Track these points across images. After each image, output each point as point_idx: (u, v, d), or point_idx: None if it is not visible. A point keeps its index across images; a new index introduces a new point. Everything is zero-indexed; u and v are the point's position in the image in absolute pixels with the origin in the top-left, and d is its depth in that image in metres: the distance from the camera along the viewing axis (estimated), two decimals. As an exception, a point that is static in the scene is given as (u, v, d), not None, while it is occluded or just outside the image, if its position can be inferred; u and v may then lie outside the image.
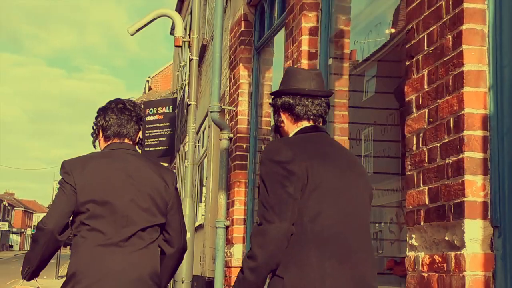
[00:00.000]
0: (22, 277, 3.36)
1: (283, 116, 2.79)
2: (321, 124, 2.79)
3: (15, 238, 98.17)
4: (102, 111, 3.28)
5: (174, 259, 3.24)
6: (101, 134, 3.26)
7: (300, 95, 2.74)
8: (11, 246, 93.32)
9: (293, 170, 2.47)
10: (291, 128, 2.76)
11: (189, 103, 7.44)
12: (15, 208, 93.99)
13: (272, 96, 2.83)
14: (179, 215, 3.20)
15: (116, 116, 3.23)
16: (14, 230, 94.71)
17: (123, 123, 3.22)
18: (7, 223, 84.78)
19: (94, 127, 3.30)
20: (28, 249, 3.33)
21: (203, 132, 10.21)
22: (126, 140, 3.23)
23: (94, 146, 3.35)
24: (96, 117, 3.29)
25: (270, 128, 6.59)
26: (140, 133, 3.34)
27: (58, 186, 3.14)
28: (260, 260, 2.44)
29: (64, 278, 3.20)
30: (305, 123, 2.74)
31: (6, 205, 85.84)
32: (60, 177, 3.12)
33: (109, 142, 3.24)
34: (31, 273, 3.27)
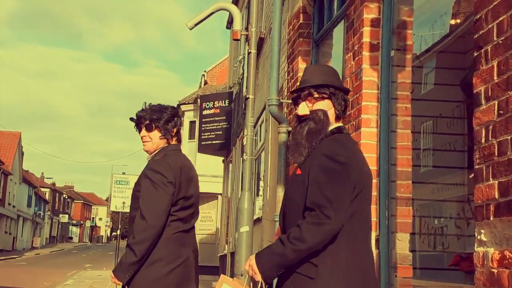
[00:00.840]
0: (120, 280, 3.66)
1: (330, 111, 2.91)
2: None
3: (74, 230, 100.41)
4: None
5: None
6: None
7: (345, 98, 2.99)
8: (71, 238, 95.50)
9: (351, 174, 2.73)
10: (331, 124, 2.92)
11: (247, 96, 7.44)
12: (74, 201, 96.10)
13: (315, 85, 2.91)
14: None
15: None
16: (74, 222, 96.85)
17: None
18: (67, 215, 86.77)
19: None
20: (138, 252, 3.59)
21: (261, 125, 10.21)
22: None
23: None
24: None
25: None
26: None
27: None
28: (307, 247, 2.67)
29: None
30: (340, 123, 2.97)
31: (66, 197, 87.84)
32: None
33: None
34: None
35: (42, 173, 78.14)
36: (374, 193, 4.61)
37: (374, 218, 4.59)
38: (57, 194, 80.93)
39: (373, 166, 4.66)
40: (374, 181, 4.62)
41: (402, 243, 4.49)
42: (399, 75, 4.78)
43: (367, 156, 4.67)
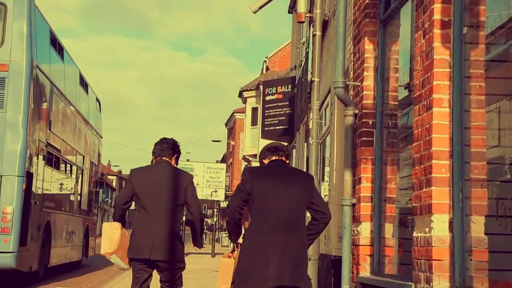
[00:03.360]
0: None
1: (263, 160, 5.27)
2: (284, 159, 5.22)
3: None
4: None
5: None
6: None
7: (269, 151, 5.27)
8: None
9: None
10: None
11: (312, 79, 7.35)
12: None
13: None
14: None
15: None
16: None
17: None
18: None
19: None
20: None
21: (325, 109, 10.09)
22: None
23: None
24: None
25: (397, 103, 6.38)
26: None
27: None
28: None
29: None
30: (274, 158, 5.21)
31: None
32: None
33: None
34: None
35: (109, 161, 79.84)
36: (447, 175, 4.48)
37: (447, 201, 4.46)
38: (123, 181, 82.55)
39: (445, 147, 4.53)
40: (447, 162, 4.50)
41: (477, 226, 4.34)
42: (472, 53, 4.62)
43: (440, 137, 4.55)
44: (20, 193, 11.33)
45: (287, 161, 5.25)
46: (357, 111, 6.71)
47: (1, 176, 11.25)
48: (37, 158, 12.59)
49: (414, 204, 4.87)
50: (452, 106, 4.53)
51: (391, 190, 6.21)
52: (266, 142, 23.25)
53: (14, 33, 11.77)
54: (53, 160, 14.34)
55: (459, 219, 4.35)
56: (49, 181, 13.88)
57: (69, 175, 16.44)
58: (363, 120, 6.50)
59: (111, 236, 6.09)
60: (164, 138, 6.26)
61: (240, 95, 38.82)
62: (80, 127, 17.31)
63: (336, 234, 8.03)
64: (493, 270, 4.23)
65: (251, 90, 37.15)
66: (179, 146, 6.28)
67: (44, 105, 13.25)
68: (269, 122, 17.98)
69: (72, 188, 16.89)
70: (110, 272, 14.87)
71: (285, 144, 19.72)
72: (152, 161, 6.25)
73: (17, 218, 11.17)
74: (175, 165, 6.19)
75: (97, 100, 20.68)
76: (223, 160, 60.29)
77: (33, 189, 12.26)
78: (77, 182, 17.31)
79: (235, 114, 51.17)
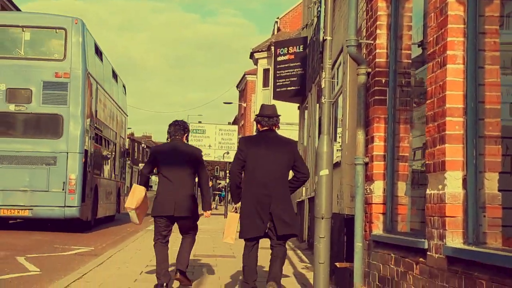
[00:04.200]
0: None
1: (259, 126, 6.97)
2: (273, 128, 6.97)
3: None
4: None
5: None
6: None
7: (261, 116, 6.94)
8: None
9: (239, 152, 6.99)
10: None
11: (324, 38, 7.29)
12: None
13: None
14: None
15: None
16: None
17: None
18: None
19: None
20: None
21: (338, 69, 10.04)
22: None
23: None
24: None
25: (410, 61, 6.34)
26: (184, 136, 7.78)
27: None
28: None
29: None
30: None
31: (144, 147, 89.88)
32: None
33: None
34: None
35: (121, 124, 79.90)
36: (461, 132, 4.47)
37: (461, 158, 4.46)
38: (136, 144, 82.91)
39: (459, 104, 4.51)
40: (461, 119, 4.48)
41: (491, 183, 4.34)
42: (486, 9, 4.55)
43: (454, 94, 4.53)
44: (80, 165, 16.39)
45: (276, 128, 7.00)
46: (370, 70, 6.68)
47: (67, 153, 16.26)
48: (89, 139, 17.56)
49: (427, 162, 4.87)
50: (466, 63, 4.49)
51: (404, 148, 6.20)
52: (278, 103, 23.25)
53: (73, 50, 16.61)
54: (98, 138, 19.28)
55: (473, 176, 4.35)
56: (96, 155, 18.98)
57: (107, 148, 21.73)
58: (376, 78, 6.46)
59: (136, 196, 7.69)
60: (176, 121, 7.90)
61: (252, 56, 38.62)
62: (113, 110, 22.39)
63: (349, 194, 8.06)
64: (506, 226, 4.24)
65: (262, 51, 36.97)
66: (188, 125, 7.98)
67: (93, 99, 18.06)
68: (281, 83, 17.90)
69: (109, 159, 22.27)
70: (133, 226, 16.69)
71: (293, 104, 19.68)
72: (167, 139, 7.91)
73: (79, 183, 16.31)
74: (185, 141, 7.87)
75: (123, 85, 25.70)
76: (235, 122, 60.35)
77: (88, 161, 17.29)
78: (112, 153, 22.75)
79: (246, 76, 51.02)
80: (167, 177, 7.51)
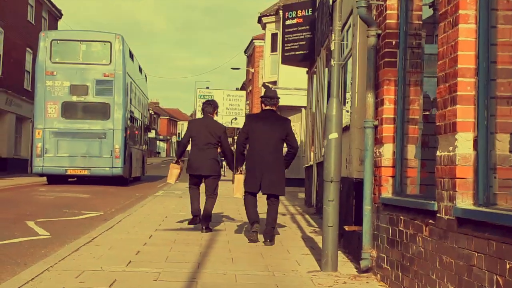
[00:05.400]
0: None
1: (263, 105, 9.08)
2: (274, 108, 8.99)
3: (161, 145, 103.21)
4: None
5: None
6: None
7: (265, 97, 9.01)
8: (159, 153, 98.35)
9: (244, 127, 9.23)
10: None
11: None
12: (160, 117, 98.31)
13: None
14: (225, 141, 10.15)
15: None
16: (161, 137, 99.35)
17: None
18: (154, 131, 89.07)
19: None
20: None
21: (347, 31, 9.93)
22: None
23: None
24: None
25: (421, 22, 6.25)
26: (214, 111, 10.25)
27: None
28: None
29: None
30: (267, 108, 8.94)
31: (152, 113, 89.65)
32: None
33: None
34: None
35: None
36: (473, 92, 4.42)
37: (472, 119, 4.41)
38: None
39: (471, 65, 4.44)
40: (473, 80, 4.42)
41: (502, 144, 4.30)
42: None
43: (465, 54, 4.47)
44: (123, 138, 23.70)
45: (275, 109, 9.06)
46: (380, 31, 6.59)
47: (113, 130, 23.48)
48: (127, 119, 24.58)
49: (438, 123, 4.82)
50: (478, 22, 4.42)
51: (414, 111, 6.15)
52: (286, 68, 23.13)
53: (116, 57, 23.87)
54: (131, 119, 26.52)
55: (484, 137, 4.30)
56: (131, 131, 26.00)
57: (137, 125, 29.01)
58: (386, 40, 6.38)
59: (174, 174, 10.31)
60: (207, 100, 10.48)
61: (259, 21, 38.28)
62: (140, 96, 29.79)
63: (358, 157, 8.04)
64: (517, 187, 4.21)
65: (270, 15, 36.63)
66: (217, 104, 10.40)
67: (129, 91, 25.15)
68: (289, 47, 17.77)
69: (138, 133, 29.46)
70: (142, 192, 21.00)
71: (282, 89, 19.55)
72: (201, 114, 10.70)
73: (122, 151, 23.59)
74: (215, 117, 10.25)
75: (145, 75, 33.13)
76: (243, 88, 60.17)
77: (126, 135, 24.13)
78: (139, 129, 30.10)
79: (254, 41, 50.67)
80: (197, 144, 9.93)
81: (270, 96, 8.99)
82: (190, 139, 10.01)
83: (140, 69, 30.52)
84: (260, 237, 8.81)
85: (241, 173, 9.18)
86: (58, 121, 23.29)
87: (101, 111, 23.50)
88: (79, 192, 19.58)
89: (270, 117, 8.86)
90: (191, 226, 10.20)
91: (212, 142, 9.92)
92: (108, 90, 23.56)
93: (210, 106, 10.17)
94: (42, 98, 23.28)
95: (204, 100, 12.29)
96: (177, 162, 10.36)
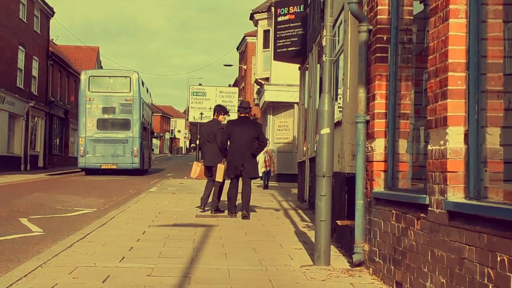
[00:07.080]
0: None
1: (239, 113, 12.57)
2: (247, 115, 12.28)
3: (155, 142, 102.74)
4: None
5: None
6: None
7: (240, 107, 12.47)
8: (152, 150, 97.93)
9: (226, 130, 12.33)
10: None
11: (325, -4, 7.22)
12: (153, 114, 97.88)
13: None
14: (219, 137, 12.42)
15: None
16: (154, 134, 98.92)
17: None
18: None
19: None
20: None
21: (338, 27, 9.96)
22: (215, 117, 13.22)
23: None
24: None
25: (412, 18, 6.28)
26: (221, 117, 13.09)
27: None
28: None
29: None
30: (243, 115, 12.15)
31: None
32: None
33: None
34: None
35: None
36: (463, 87, 4.45)
37: (462, 113, 4.44)
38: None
39: (461, 59, 4.47)
40: (463, 74, 4.45)
41: (493, 137, 4.33)
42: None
43: (456, 49, 4.50)
44: (139, 143, 33.04)
45: (249, 115, 12.34)
46: (371, 27, 6.62)
47: (133, 137, 33.06)
48: (141, 129, 33.47)
49: (428, 118, 4.86)
50: (469, 17, 4.45)
51: (405, 106, 6.19)
52: (279, 64, 23.11)
53: (134, 87, 33.22)
54: (143, 128, 34.77)
55: (475, 131, 4.33)
56: (143, 137, 35.02)
57: (146, 132, 37.66)
58: (378, 35, 6.41)
59: (196, 170, 12.77)
60: (217, 105, 13.27)
61: (252, 17, 38.24)
62: (148, 111, 39.12)
63: (350, 152, 8.07)
64: (508, 180, 4.24)
65: (262, 12, 36.59)
66: (222, 107, 13.07)
67: (142, 110, 34.22)
68: (281, 44, 17.80)
69: (147, 137, 38.39)
70: (136, 188, 20.71)
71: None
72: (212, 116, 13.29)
73: (139, 152, 32.86)
74: (220, 118, 12.69)
75: (149, 91, 41.26)
76: (235, 84, 60.12)
77: (141, 140, 33.38)
78: (147, 134, 39.02)
79: (246, 37, 50.63)
80: (206, 142, 12.62)
81: (244, 106, 12.22)
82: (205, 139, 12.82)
83: (147, 90, 39.84)
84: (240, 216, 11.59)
85: (223, 164, 11.96)
86: (94, 132, 32.67)
87: (124, 125, 32.94)
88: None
89: (245, 121, 11.95)
90: (185, 222, 10.58)
91: (215, 139, 12.34)
92: (128, 110, 33.00)
93: (215, 109, 12.93)
94: (83, 116, 32.78)
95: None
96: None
